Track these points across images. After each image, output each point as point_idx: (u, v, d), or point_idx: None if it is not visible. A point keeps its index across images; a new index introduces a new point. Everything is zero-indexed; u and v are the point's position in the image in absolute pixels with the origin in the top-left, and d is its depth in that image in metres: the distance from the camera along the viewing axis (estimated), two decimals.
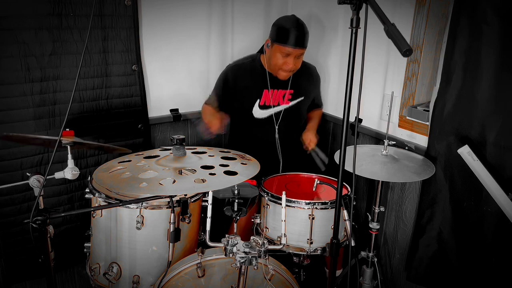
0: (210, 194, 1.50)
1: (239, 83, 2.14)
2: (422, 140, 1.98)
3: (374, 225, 1.92)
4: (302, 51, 2.00)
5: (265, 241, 1.37)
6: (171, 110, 2.35)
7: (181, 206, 1.56)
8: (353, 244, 1.82)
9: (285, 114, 2.18)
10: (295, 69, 2.07)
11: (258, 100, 2.14)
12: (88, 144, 1.73)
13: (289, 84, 2.15)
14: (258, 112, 2.15)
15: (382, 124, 2.17)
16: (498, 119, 1.63)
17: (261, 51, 2.18)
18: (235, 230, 1.63)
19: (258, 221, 1.86)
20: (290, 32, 1.93)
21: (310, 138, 2.12)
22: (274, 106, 2.16)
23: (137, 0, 2.02)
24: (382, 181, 1.90)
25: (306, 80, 2.24)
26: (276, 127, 2.17)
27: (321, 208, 1.73)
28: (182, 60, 2.32)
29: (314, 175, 2.05)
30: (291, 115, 2.20)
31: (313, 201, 1.73)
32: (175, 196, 1.54)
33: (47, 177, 1.33)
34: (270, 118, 2.17)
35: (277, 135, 2.18)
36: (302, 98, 2.20)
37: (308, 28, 2.03)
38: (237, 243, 1.35)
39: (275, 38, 1.98)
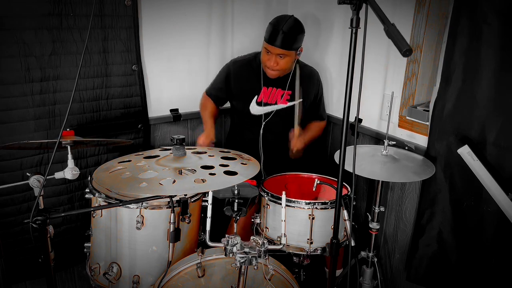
0: (210, 194, 1.50)
1: (239, 78, 2.16)
2: (422, 140, 1.98)
3: (374, 225, 1.92)
4: (282, 51, 1.99)
5: (265, 241, 1.37)
6: (171, 110, 2.35)
7: (181, 206, 1.56)
8: (353, 244, 1.81)
9: (277, 113, 2.17)
10: (280, 69, 2.06)
11: (256, 96, 2.15)
12: (88, 142, 1.73)
13: (287, 85, 2.15)
14: (255, 109, 2.16)
15: (382, 124, 2.17)
16: (498, 119, 1.63)
17: None
18: (235, 230, 1.63)
19: (258, 221, 1.86)
20: (273, 31, 1.98)
21: (294, 143, 2.08)
22: (271, 104, 2.16)
23: (137, 0, 2.02)
24: (382, 181, 1.90)
25: (306, 84, 2.21)
26: (263, 123, 2.17)
27: (321, 208, 1.72)
28: (182, 60, 2.32)
29: (314, 175, 2.05)
30: (283, 115, 2.18)
31: (313, 201, 1.73)
32: (175, 196, 1.54)
33: (47, 177, 1.33)
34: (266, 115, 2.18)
35: (261, 131, 2.18)
36: (301, 100, 2.20)
37: (306, 28, 2.04)
38: (237, 243, 1.36)
39: (264, 35, 2.04)
